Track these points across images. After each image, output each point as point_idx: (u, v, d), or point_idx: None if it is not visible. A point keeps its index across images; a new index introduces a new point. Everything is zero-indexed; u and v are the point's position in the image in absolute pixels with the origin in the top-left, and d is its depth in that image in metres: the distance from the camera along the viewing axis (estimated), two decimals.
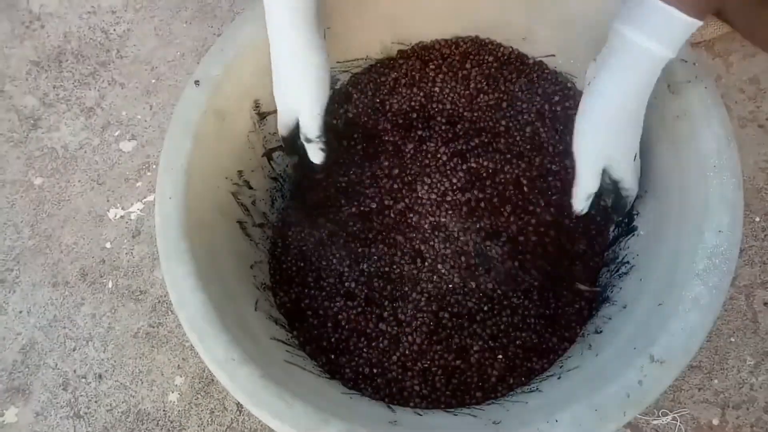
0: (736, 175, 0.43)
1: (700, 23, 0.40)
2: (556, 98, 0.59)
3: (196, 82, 0.49)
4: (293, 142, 0.53)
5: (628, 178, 0.47)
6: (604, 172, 0.47)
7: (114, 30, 0.80)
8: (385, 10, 0.58)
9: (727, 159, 0.43)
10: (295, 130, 0.52)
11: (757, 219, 0.66)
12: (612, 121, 0.44)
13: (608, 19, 0.43)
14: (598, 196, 0.49)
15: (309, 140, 0.52)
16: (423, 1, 0.58)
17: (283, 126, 0.52)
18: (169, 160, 0.46)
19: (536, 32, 0.58)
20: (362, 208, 0.57)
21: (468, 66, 0.61)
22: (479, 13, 0.59)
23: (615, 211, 0.50)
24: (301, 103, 0.50)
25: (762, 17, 0.47)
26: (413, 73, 0.61)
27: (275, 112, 0.57)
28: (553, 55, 0.60)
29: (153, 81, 0.77)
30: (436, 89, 0.60)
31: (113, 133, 0.75)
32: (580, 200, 0.48)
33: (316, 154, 0.53)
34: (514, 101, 0.59)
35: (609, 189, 0.48)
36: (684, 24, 0.39)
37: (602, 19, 0.45)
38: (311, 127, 0.51)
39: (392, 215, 0.56)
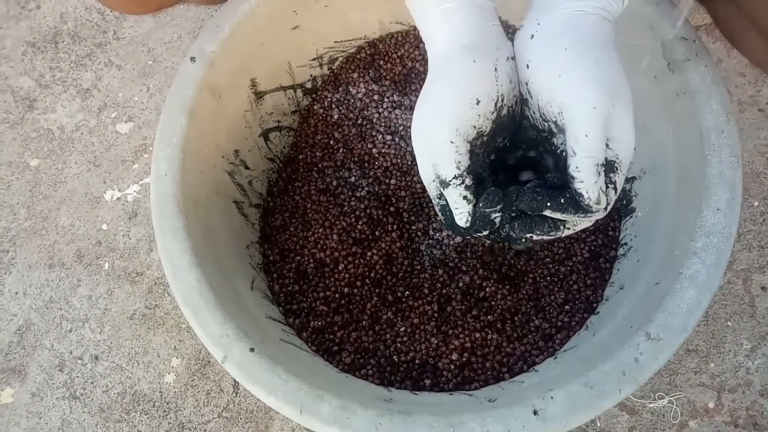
0: (735, 153, 0.42)
1: None
2: None
3: (192, 59, 0.48)
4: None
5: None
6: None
7: (110, 11, 0.79)
8: None
9: (726, 137, 0.43)
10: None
11: (756, 203, 0.66)
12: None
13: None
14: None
15: (445, 183, 0.34)
16: None
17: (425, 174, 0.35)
18: (165, 136, 0.46)
19: None
20: (358, 194, 0.56)
21: None
22: None
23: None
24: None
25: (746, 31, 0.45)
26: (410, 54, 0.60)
27: (272, 91, 0.57)
28: None
29: (150, 63, 0.76)
30: None
31: (110, 115, 0.74)
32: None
33: (459, 205, 0.34)
34: None
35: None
36: None
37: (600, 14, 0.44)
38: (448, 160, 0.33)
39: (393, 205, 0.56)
